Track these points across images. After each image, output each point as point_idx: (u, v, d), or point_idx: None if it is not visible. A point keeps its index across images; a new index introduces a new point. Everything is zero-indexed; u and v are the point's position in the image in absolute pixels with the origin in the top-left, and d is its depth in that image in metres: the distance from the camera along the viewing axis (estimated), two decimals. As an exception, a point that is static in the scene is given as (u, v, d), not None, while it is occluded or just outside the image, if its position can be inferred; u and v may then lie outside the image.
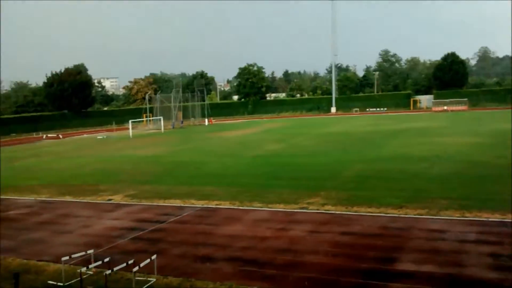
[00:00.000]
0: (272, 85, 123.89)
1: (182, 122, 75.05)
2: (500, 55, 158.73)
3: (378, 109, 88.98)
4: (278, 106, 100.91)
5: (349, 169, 24.31)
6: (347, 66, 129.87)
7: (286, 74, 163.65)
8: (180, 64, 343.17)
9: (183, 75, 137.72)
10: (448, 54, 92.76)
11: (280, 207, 16.95)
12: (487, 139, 34.01)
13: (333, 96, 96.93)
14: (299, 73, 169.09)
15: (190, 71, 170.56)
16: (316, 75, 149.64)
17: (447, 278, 10.14)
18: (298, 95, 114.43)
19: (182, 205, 18.19)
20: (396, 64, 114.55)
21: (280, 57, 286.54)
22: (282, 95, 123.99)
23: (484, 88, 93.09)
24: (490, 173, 21.22)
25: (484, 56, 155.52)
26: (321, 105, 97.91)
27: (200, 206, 17.81)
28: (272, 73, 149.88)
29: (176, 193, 20.27)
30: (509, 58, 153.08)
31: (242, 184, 21.68)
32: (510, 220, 13.92)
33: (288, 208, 16.76)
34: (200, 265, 11.56)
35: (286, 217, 15.69)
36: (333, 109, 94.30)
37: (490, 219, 14.19)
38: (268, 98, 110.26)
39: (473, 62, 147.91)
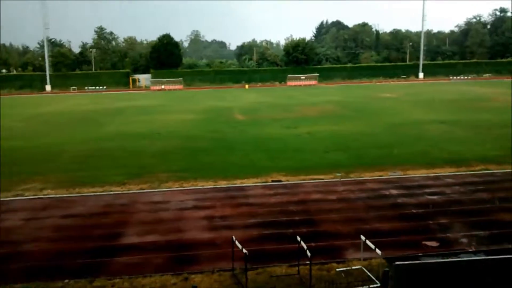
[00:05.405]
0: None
1: None
2: (209, 39, 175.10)
3: (97, 87, 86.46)
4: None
5: (69, 150, 23.22)
6: (61, 42, 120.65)
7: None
8: None
9: None
10: (163, 35, 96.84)
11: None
12: (201, 115, 37.35)
13: (47, 73, 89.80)
14: (4, 45, 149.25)
15: None
16: (26, 49, 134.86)
17: (169, 244, 10.95)
18: (4, 70, 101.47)
19: None
20: (113, 42, 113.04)
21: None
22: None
23: (197, 69, 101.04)
24: (204, 146, 23.50)
25: (196, 39, 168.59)
26: (34, 83, 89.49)
27: None
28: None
29: None
30: (216, 42, 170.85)
31: None
32: (223, 186, 15.87)
33: (1, 197, 15.04)
34: None
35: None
36: (48, 88, 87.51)
37: (205, 187, 15.84)
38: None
39: (186, 44, 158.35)
